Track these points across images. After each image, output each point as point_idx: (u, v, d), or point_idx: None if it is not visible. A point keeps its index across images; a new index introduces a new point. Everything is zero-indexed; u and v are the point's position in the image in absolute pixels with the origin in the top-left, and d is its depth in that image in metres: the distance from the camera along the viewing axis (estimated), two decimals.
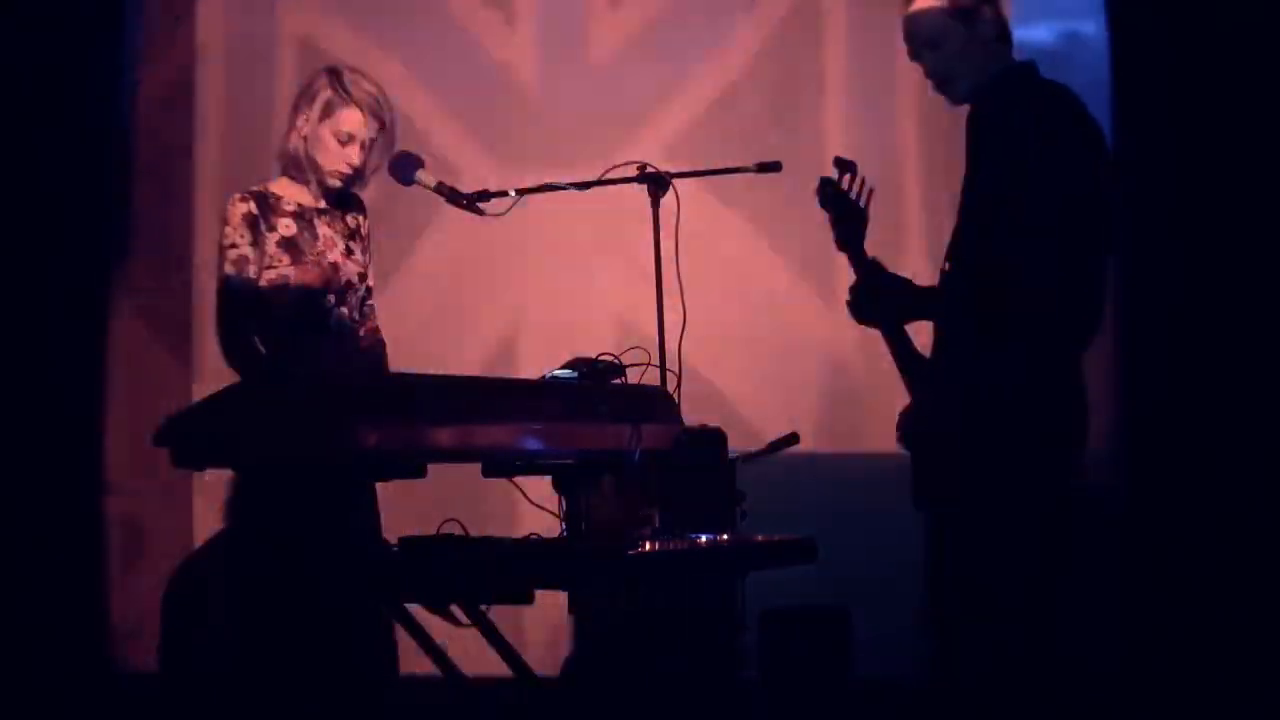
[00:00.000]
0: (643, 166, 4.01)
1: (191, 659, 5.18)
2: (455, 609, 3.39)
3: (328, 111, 3.91)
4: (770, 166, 4.20)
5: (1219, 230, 5.13)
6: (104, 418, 5.69)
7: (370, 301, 4.12)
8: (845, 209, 3.65)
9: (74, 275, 5.53)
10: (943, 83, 3.64)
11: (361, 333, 4.08)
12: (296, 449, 3.01)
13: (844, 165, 3.67)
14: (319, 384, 3.13)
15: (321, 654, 3.67)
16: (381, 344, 4.15)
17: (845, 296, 3.69)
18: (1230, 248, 5.12)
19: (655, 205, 3.93)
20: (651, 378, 3.72)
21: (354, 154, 3.93)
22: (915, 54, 3.65)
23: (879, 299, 3.60)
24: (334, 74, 3.97)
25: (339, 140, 3.92)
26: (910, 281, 3.64)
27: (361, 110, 3.91)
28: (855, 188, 3.65)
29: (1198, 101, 5.15)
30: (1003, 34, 3.63)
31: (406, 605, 3.51)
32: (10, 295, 5.42)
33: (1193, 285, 5.16)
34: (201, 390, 5.67)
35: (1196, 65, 5.15)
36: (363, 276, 4.05)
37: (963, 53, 3.59)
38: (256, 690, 3.71)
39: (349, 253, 4.01)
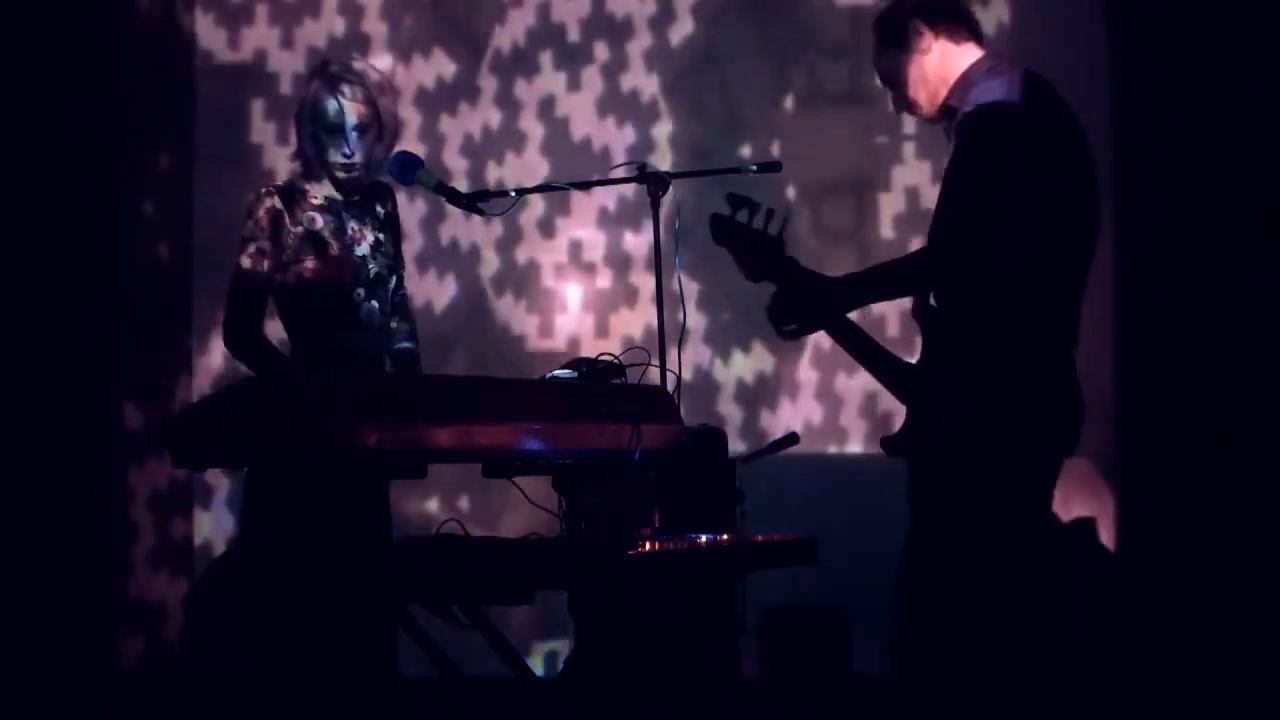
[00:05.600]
0: (643, 166, 4.01)
1: (211, 659, 5.20)
2: (455, 609, 3.39)
3: (315, 107, 3.89)
4: (770, 166, 4.20)
5: (1222, 231, 5.12)
6: (105, 416, 5.70)
7: (403, 291, 4.10)
8: (747, 243, 3.60)
9: (76, 272, 5.55)
10: (909, 111, 3.66)
11: (393, 325, 4.06)
12: (297, 449, 3.01)
13: (737, 201, 3.62)
14: (319, 383, 3.13)
15: (328, 653, 3.65)
16: (415, 344, 4.13)
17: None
18: (1234, 248, 5.12)
19: (655, 205, 3.93)
20: (651, 378, 3.72)
21: (347, 143, 3.88)
22: (890, 93, 3.68)
23: (796, 301, 3.56)
24: (318, 68, 3.95)
25: (328, 131, 3.89)
26: (826, 277, 3.62)
27: (339, 99, 3.84)
28: (760, 220, 3.61)
29: (1199, 99, 5.14)
30: (955, 35, 3.59)
31: (406, 605, 3.51)
32: (12, 293, 5.43)
33: (1195, 287, 5.15)
34: (201, 390, 5.69)
35: (1198, 61, 5.14)
36: (392, 269, 4.03)
37: (914, 76, 3.59)
38: (269, 689, 3.71)
39: (378, 244, 3.99)
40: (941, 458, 3.40)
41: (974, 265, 3.35)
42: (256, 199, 3.90)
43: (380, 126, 3.90)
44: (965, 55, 3.58)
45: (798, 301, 3.56)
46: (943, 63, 3.58)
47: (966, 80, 3.52)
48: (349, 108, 3.85)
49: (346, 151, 3.87)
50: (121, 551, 5.74)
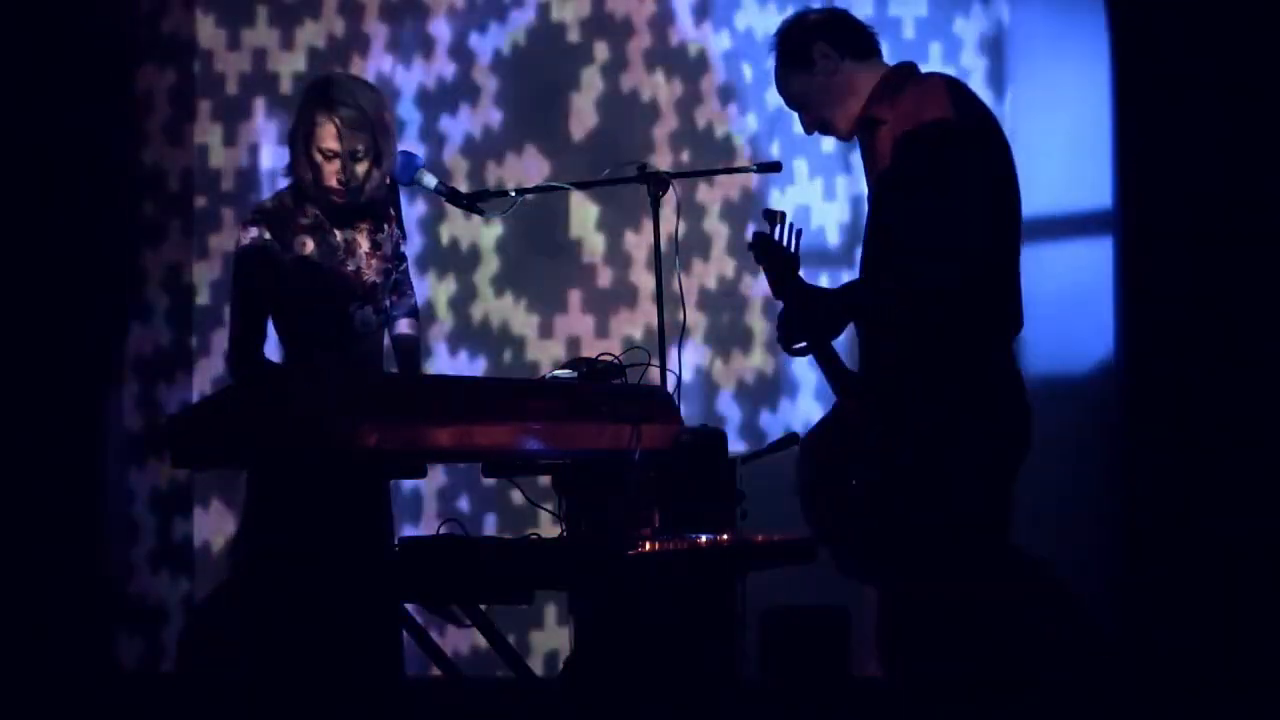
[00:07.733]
0: (643, 166, 4.01)
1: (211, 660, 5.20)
2: (455, 609, 3.39)
3: (310, 130, 3.83)
4: (770, 166, 4.21)
5: (1222, 231, 5.12)
6: (105, 416, 5.70)
7: (404, 266, 4.08)
8: (779, 259, 3.60)
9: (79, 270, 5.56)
10: (823, 131, 3.64)
11: (392, 299, 4.05)
12: (296, 449, 3.01)
13: (773, 216, 3.61)
14: (319, 384, 3.13)
15: (329, 653, 3.65)
16: (415, 318, 4.13)
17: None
18: (1234, 248, 5.12)
19: (655, 205, 3.93)
20: (652, 378, 3.72)
21: (341, 169, 3.82)
22: (798, 115, 3.67)
23: (808, 319, 3.55)
24: (313, 88, 3.88)
25: (324, 157, 3.83)
26: (828, 290, 3.63)
27: (336, 123, 3.77)
28: (784, 235, 3.61)
29: (1199, 99, 5.14)
30: (858, 51, 3.57)
31: (407, 605, 3.51)
32: (12, 293, 5.43)
33: (1195, 287, 5.15)
34: (202, 390, 5.68)
35: (1198, 61, 5.14)
36: (388, 273, 4.01)
37: (821, 96, 3.57)
38: (269, 690, 3.70)
39: (376, 248, 3.96)
40: (920, 464, 3.39)
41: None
42: (243, 230, 3.87)
43: (377, 152, 3.87)
44: (874, 69, 3.57)
45: (799, 320, 3.55)
46: (853, 80, 3.55)
47: (892, 92, 3.49)
48: (345, 135, 3.80)
49: (341, 179, 3.83)
50: (121, 551, 5.74)
